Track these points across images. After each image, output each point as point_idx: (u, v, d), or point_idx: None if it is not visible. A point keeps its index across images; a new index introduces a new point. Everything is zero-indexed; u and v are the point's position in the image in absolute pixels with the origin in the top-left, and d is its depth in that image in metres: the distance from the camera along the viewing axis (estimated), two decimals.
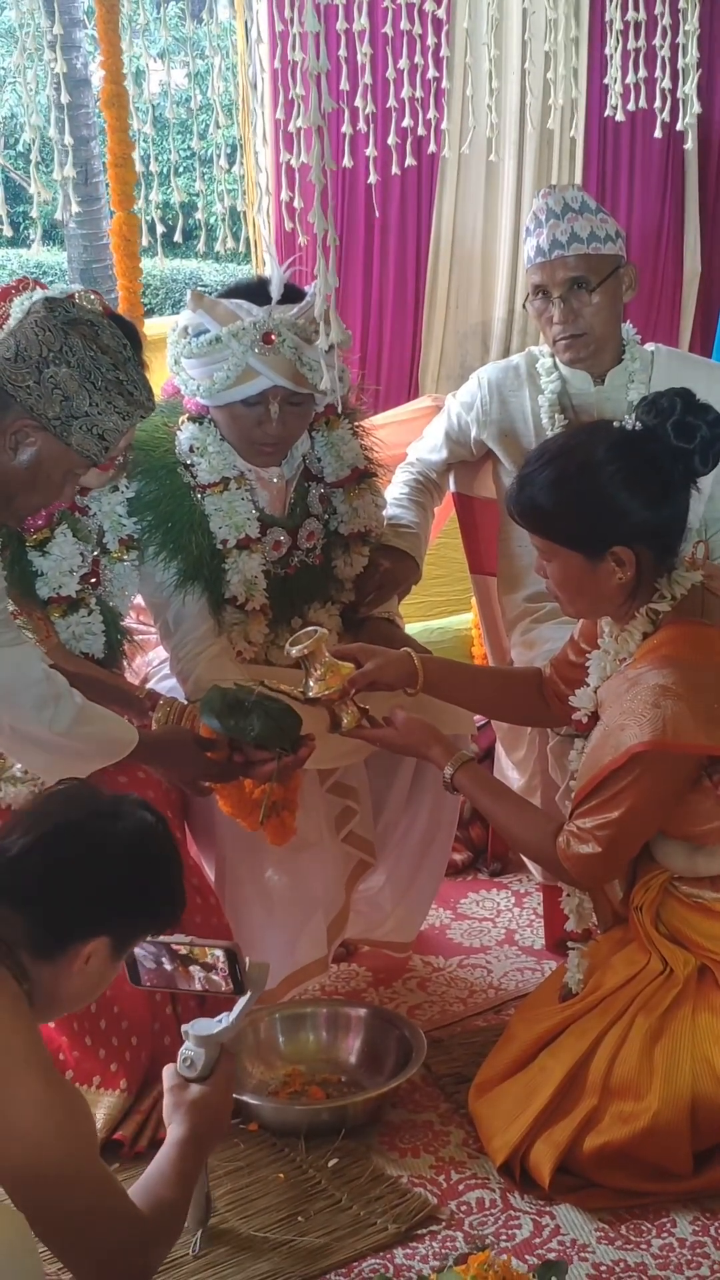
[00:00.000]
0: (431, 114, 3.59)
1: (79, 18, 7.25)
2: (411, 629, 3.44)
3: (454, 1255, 2.19)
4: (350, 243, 5.28)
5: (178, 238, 3.57)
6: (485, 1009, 2.99)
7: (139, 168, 3.77)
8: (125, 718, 2.55)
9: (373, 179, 3.43)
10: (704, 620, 2.42)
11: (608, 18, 3.61)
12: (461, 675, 2.81)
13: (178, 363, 2.80)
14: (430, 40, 3.53)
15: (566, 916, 2.53)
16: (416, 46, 3.52)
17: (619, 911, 2.58)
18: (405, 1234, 2.27)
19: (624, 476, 2.33)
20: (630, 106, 3.59)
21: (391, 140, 3.50)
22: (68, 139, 2.92)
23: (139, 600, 2.91)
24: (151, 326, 4.76)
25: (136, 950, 2.12)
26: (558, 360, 3.13)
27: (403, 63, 3.53)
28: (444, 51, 3.60)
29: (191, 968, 2.15)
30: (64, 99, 2.90)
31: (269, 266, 2.84)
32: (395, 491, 3.25)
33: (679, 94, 3.42)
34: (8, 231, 3.00)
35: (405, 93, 3.53)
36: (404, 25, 3.51)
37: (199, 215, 3.57)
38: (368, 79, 3.29)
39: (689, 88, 3.34)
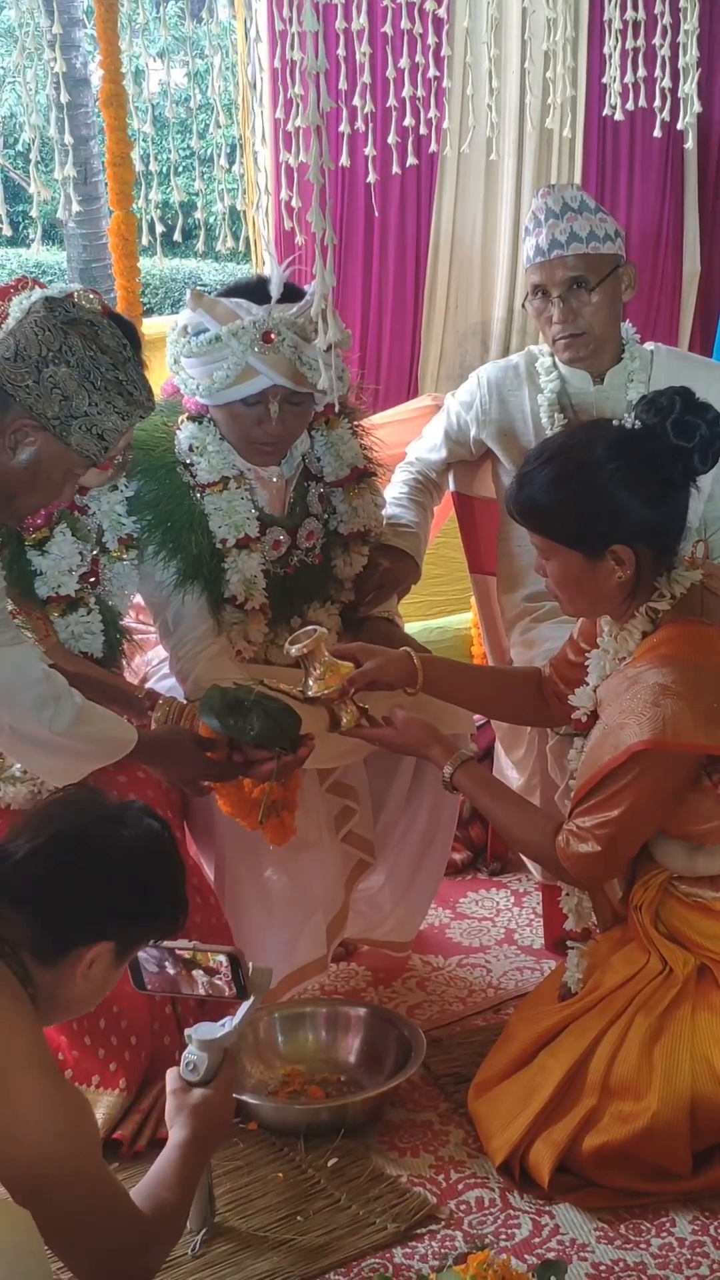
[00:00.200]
0: (433, 113, 3.59)
1: (78, 17, 7.25)
2: (411, 628, 3.44)
3: (453, 1255, 2.19)
4: (350, 242, 5.28)
5: (177, 237, 3.57)
6: (484, 1008, 2.99)
7: (138, 167, 3.77)
8: (124, 717, 2.55)
9: (372, 178, 3.43)
10: (704, 619, 2.42)
11: (606, 17, 3.60)
12: (461, 675, 2.81)
13: (177, 362, 2.80)
14: (430, 39, 3.53)
15: (566, 916, 2.54)
16: (417, 45, 3.52)
17: (618, 911, 2.58)
18: (404, 1233, 2.27)
19: (623, 475, 2.33)
20: (629, 106, 3.58)
21: (391, 139, 3.50)
22: (67, 138, 2.92)
23: (138, 599, 2.91)
24: (151, 326, 4.77)
25: (140, 954, 2.13)
26: (557, 359, 3.13)
27: (403, 62, 3.52)
28: (445, 50, 3.60)
29: (195, 972, 2.15)
30: (63, 98, 2.90)
31: (269, 266, 2.84)
32: (395, 491, 3.25)
33: (679, 93, 3.42)
34: (7, 231, 3.00)
35: (405, 92, 3.53)
36: (404, 24, 3.51)
37: (198, 214, 3.57)
38: (367, 78, 3.29)
39: (689, 87, 3.34)
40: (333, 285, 2.18)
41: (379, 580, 3.04)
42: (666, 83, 3.49)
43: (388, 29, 3.55)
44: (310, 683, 2.53)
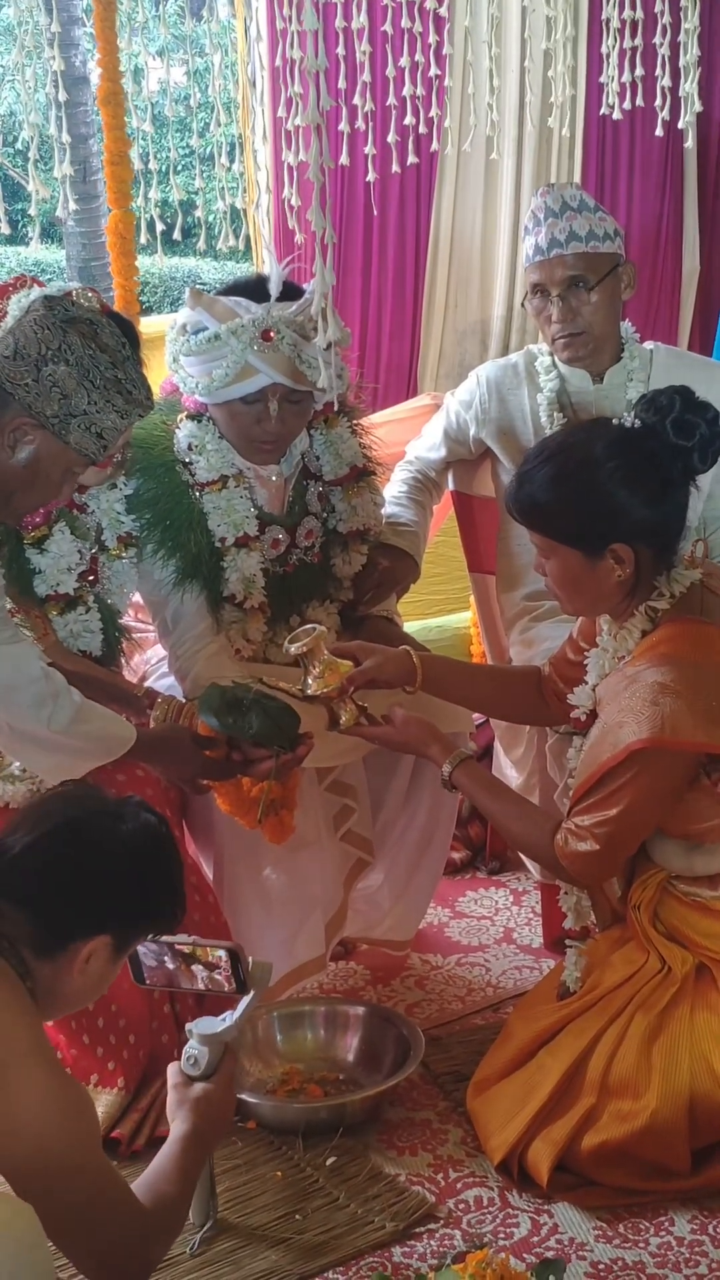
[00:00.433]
0: (433, 111, 3.58)
1: (78, 15, 7.26)
2: (410, 627, 3.43)
3: (452, 1253, 2.19)
4: (349, 241, 5.27)
5: (176, 235, 3.56)
6: (483, 1007, 2.99)
7: (137, 165, 3.77)
8: (123, 716, 2.55)
9: (372, 177, 3.43)
10: (703, 618, 2.42)
11: (604, 16, 3.60)
12: (460, 673, 2.81)
13: (176, 360, 2.80)
14: (431, 38, 3.53)
15: (565, 914, 2.54)
16: (417, 44, 3.51)
17: (617, 910, 2.58)
18: (403, 1232, 2.27)
19: (623, 474, 2.33)
20: (626, 105, 3.58)
21: (391, 138, 3.50)
22: (65, 137, 2.91)
23: (137, 598, 2.91)
24: (150, 325, 4.76)
25: (139, 949, 2.14)
26: (556, 359, 3.13)
27: (403, 60, 3.52)
28: (445, 49, 3.60)
29: (194, 967, 2.16)
30: (61, 97, 2.89)
31: (268, 264, 2.83)
32: (394, 490, 3.25)
33: (679, 92, 3.42)
34: (5, 229, 2.99)
35: (406, 90, 3.53)
36: (404, 23, 3.50)
37: (198, 213, 3.57)
38: (366, 77, 3.29)
39: (690, 86, 3.34)
40: (333, 284, 2.18)
41: (378, 579, 3.04)
42: (666, 81, 3.48)
43: (388, 27, 3.54)
44: (309, 681, 2.53)
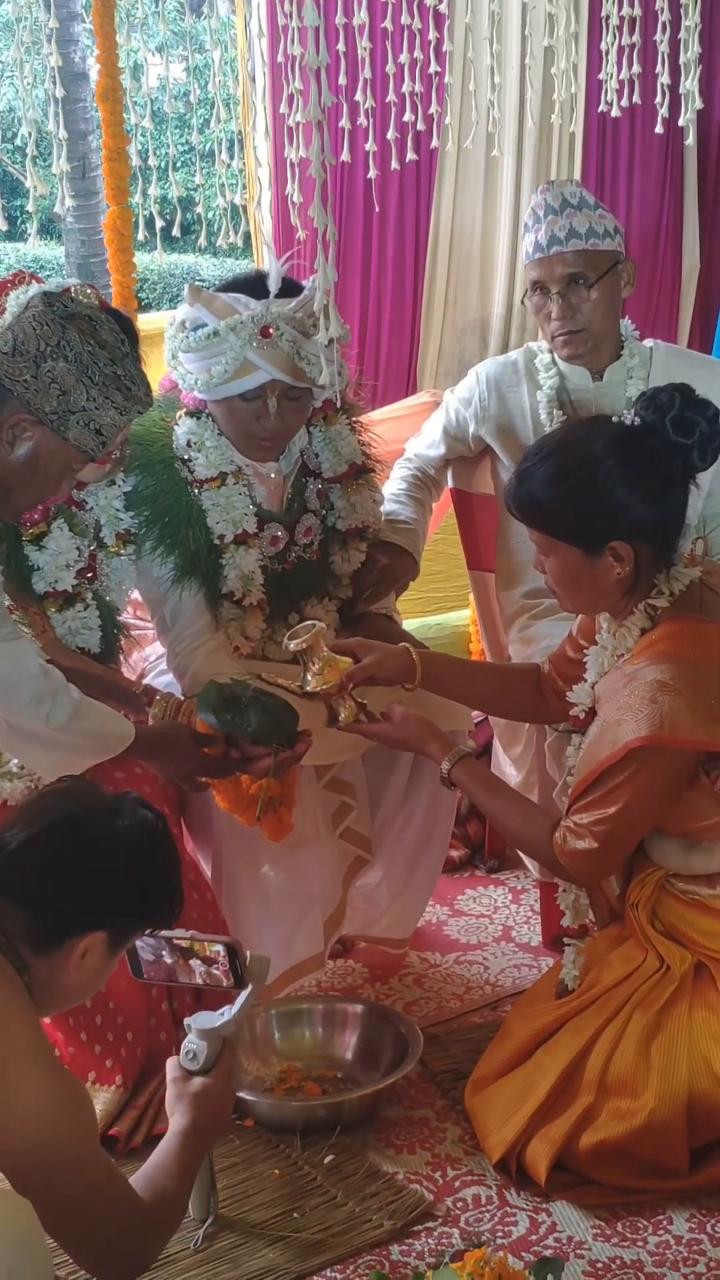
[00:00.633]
0: (433, 108, 3.58)
1: (77, 11, 7.25)
2: (409, 625, 3.43)
3: (450, 1252, 2.19)
4: (349, 238, 5.27)
5: (175, 232, 3.56)
6: (482, 1005, 2.98)
7: (137, 162, 3.76)
8: (122, 713, 2.54)
9: (372, 174, 3.42)
10: (702, 616, 2.41)
11: (604, 13, 3.59)
12: (459, 671, 2.81)
13: (175, 357, 2.80)
14: (431, 35, 3.52)
15: (563, 913, 2.53)
16: (416, 41, 3.50)
17: (615, 908, 2.58)
18: (401, 1230, 2.27)
19: (623, 471, 2.33)
20: (625, 102, 3.57)
21: (391, 135, 3.49)
22: (62, 133, 2.90)
23: (136, 595, 2.90)
24: (149, 321, 4.76)
25: (138, 943, 2.15)
26: (556, 356, 3.12)
27: (403, 57, 3.51)
28: (445, 46, 3.59)
29: (192, 962, 2.17)
30: (58, 93, 2.88)
31: (268, 261, 2.83)
32: (393, 487, 3.25)
33: (680, 90, 3.41)
34: (2, 225, 2.99)
35: (405, 87, 3.52)
36: (404, 20, 3.50)
37: (198, 210, 3.56)
38: (367, 73, 3.28)
39: (690, 83, 3.33)
40: (334, 280, 2.17)
41: (377, 577, 3.04)
42: (666, 79, 3.48)
43: (388, 24, 3.54)
44: (309, 677, 2.53)
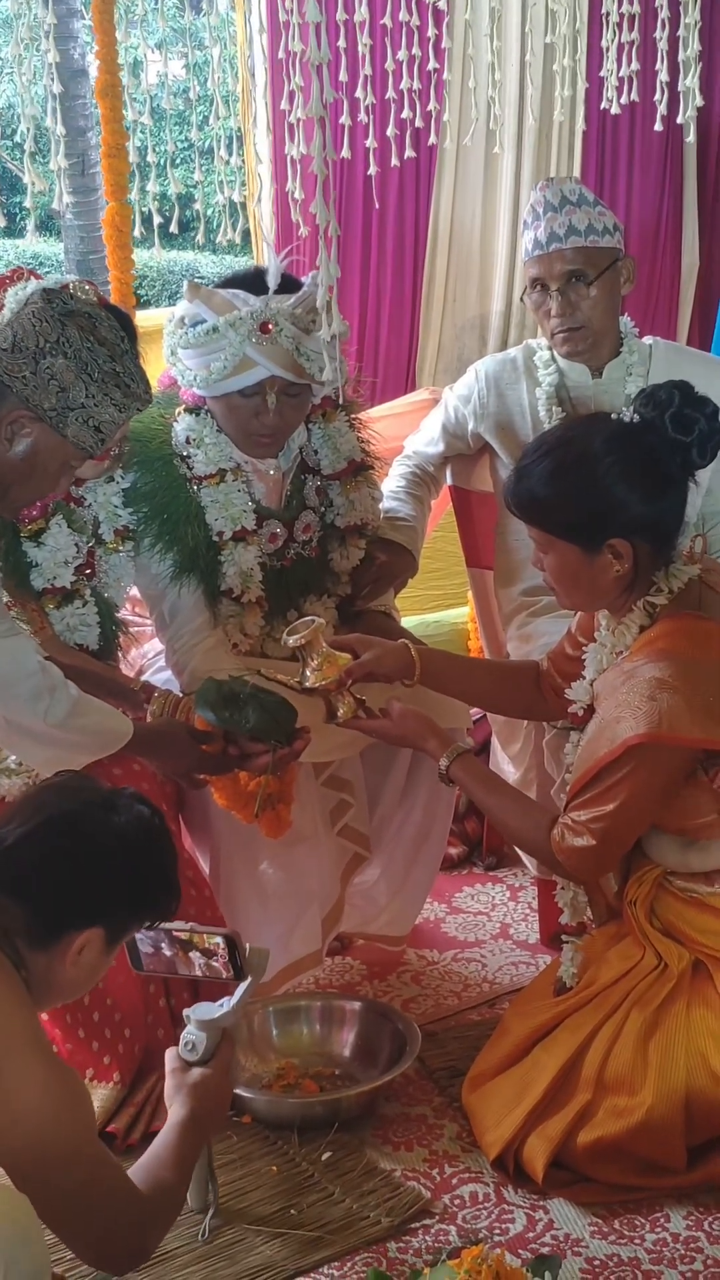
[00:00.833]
0: (432, 105, 3.58)
1: (77, 7, 7.24)
2: (408, 622, 3.43)
3: (447, 1249, 2.19)
4: (348, 235, 5.27)
5: (173, 229, 3.55)
6: (479, 1003, 2.98)
7: (136, 158, 3.76)
8: (120, 710, 2.54)
9: (372, 170, 3.42)
10: (701, 614, 2.41)
11: (604, 10, 3.59)
12: (458, 667, 2.81)
13: (174, 353, 2.80)
14: (430, 31, 3.52)
15: (561, 910, 2.53)
16: (415, 37, 3.50)
17: (613, 906, 2.58)
18: (398, 1228, 2.27)
19: (622, 469, 2.33)
20: (624, 100, 3.57)
21: (390, 132, 3.49)
22: (60, 129, 2.90)
23: (134, 592, 2.90)
24: (148, 318, 4.75)
25: (137, 935, 2.16)
26: (555, 353, 3.12)
27: (401, 54, 3.51)
28: (445, 43, 3.59)
29: (192, 954, 2.18)
30: (56, 89, 2.88)
31: (267, 257, 2.83)
32: (392, 484, 3.25)
33: (679, 87, 3.41)
34: (1, 222, 2.98)
35: (404, 84, 3.52)
36: (402, 16, 3.50)
37: (197, 206, 3.55)
38: (367, 70, 3.28)
39: (690, 81, 3.32)
40: (337, 276, 2.17)
41: (376, 574, 3.03)
42: (665, 76, 3.47)
43: (387, 20, 3.53)
44: (308, 674, 2.53)
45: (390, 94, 3.59)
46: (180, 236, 10.44)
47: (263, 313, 2.69)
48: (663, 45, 3.46)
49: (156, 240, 3.64)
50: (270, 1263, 2.19)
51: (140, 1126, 2.49)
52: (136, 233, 3.73)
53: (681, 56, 3.32)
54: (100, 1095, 2.51)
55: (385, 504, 3.14)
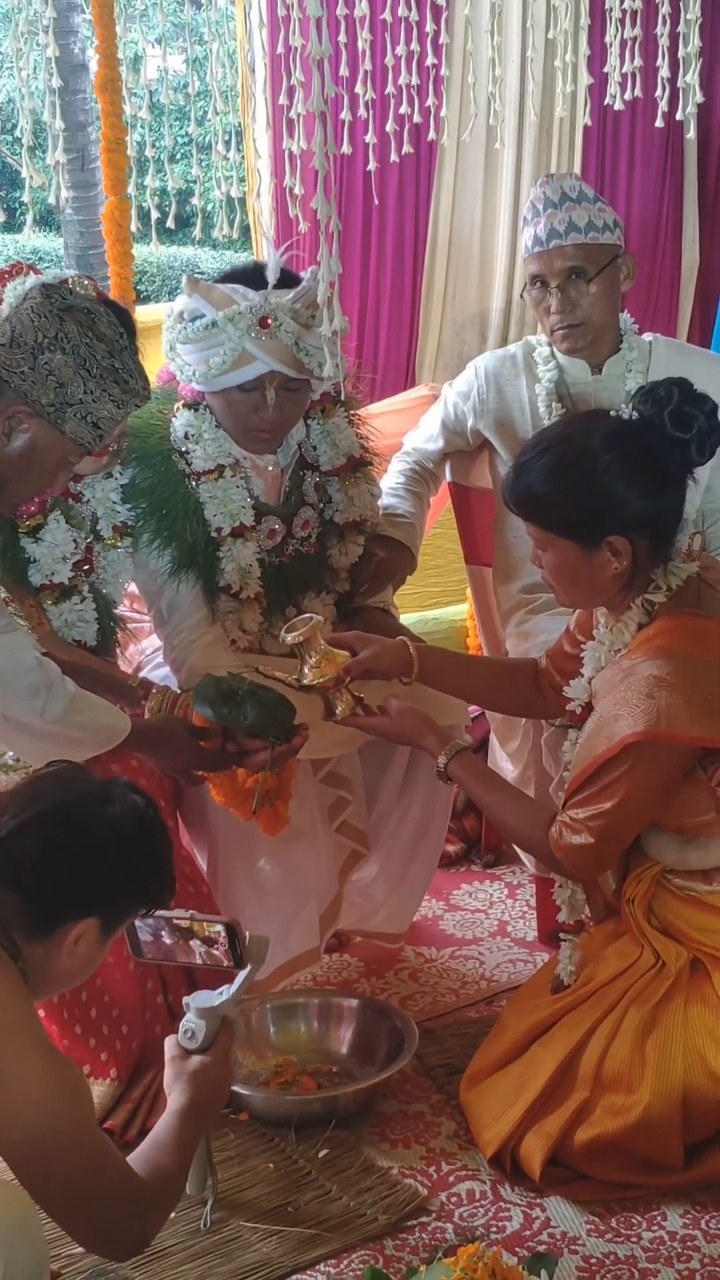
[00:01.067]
0: (430, 101, 3.57)
1: (77, 2, 7.23)
2: (406, 619, 3.43)
3: (444, 1247, 2.18)
4: (348, 230, 5.25)
5: (171, 224, 3.54)
6: (477, 1000, 2.98)
7: (135, 153, 3.75)
8: (118, 706, 2.54)
9: (371, 166, 3.41)
10: (700, 612, 2.41)
11: (607, 5, 3.58)
12: (457, 665, 2.81)
13: (173, 348, 2.79)
14: (429, 27, 3.51)
15: (559, 908, 2.53)
16: (414, 33, 3.49)
17: (611, 904, 2.58)
18: (395, 1225, 2.27)
19: (621, 466, 2.32)
20: (626, 96, 3.56)
21: (390, 127, 3.48)
22: (59, 124, 2.89)
23: (132, 588, 2.90)
24: (147, 313, 4.74)
25: (137, 923, 2.16)
26: (555, 350, 3.12)
27: (400, 49, 3.50)
28: (443, 39, 3.58)
29: (192, 942, 2.18)
30: (55, 83, 2.87)
31: (266, 252, 2.82)
32: (391, 481, 3.24)
33: (679, 84, 3.40)
34: (0, 216, 2.97)
35: (403, 79, 3.51)
36: (402, 12, 3.49)
37: (196, 201, 3.55)
38: (368, 65, 3.27)
39: (691, 77, 3.32)
40: (338, 271, 2.17)
41: (374, 570, 3.03)
42: (666, 72, 3.47)
43: (386, 15, 3.52)
44: (306, 670, 2.53)
45: (390, 89, 3.58)
46: (179, 231, 10.43)
47: (262, 308, 2.69)
48: (663, 41, 3.45)
49: (155, 235, 3.63)
50: (267, 1260, 2.19)
51: (137, 1122, 2.49)
52: (135, 228, 3.73)
53: (682, 53, 3.31)
54: (97, 1092, 2.51)
55: (384, 500, 3.14)
